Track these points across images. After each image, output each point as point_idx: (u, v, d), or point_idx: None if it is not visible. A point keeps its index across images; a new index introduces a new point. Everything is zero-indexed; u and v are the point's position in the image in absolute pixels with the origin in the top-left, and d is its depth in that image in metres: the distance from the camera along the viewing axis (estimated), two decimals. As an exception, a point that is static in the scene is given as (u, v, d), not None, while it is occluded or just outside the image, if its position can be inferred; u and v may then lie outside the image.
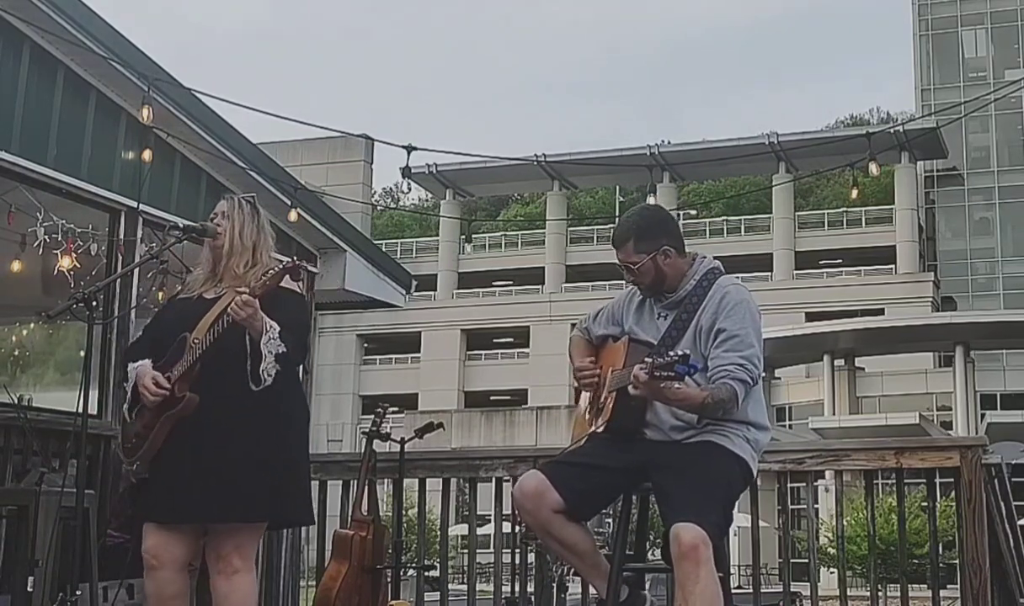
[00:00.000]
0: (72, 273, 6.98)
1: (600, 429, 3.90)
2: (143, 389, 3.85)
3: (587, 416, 4.03)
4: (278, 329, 3.78)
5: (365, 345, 54.20)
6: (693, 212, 55.30)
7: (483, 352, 53.76)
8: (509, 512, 5.48)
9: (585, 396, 4.09)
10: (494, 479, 6.22)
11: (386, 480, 6.19)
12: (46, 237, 6.93)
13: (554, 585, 6.21)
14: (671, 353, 3.47)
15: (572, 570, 4.31)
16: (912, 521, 22.50)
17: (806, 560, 6.37)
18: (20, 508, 5.13)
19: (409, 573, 7.34)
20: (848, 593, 5.61)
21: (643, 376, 3.49)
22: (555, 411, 40.04)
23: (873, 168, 8.85)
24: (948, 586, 8.76)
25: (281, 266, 3.79)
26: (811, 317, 44.84)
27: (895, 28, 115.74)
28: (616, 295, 4.19)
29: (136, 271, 6.76)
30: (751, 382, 3.71)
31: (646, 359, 3.54)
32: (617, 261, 3.91)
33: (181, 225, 4.14)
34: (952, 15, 53.96)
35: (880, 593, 6.10)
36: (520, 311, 52.31)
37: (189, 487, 3.82)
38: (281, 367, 3.80)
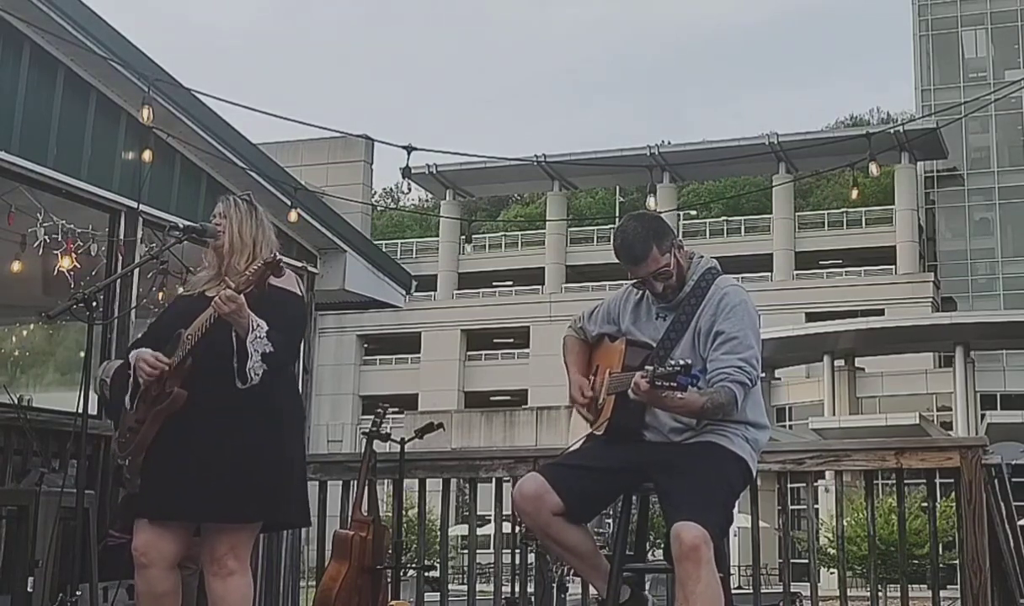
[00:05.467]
0: (72, 273, 6.98)
1: (599, 431, 3.90)
2: (141, 363, 3.85)
3: (586, 417, 4.02)
4: (266, 328, 3.77)
5: (365, 345, 54.21)
6: (693, 212, 55.32)
7: (483, 352, 53.77)
8: (509, 512, 5.48)
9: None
10: (494, 479, 6.22)
11: (386, 480, 6.19)
12: (46, 237, 6.93)
13: (554, 585, 6.21)
14: (672, 362, 3.47)
15: (572, 571, 4.32)
16: (912, 521, 22.50)
17: (806, 560, 6.37)
18: (20, 508, 5.13)
19: (409, 573, 7.33)
20: (848, 593, 5.61)
21: (644, 385, 3.49)
22: (555, 411, 40.00)
23: (873, 168, 8.86)
24: (948, 586, 8.75)
25: (261, 263, 3.78)
26: (811, 317, 44.85)
27: (895, 28, 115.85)
28: (611, 294, 4.18)
29: (136, 271, 6.76)
30: (750, 384, 3.72)
31: (647, 367, 3.53)
32: (640, 277, 3.85)
33: (181, 226, 4.12)
34: (952, 15, 53.98)
35: (880, 593, 6.09)
36: (520, 311, 52.32)
37: (181, 485, 3.81)
38: (269, 366, 3.78)
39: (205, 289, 4.01)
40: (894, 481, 5.67)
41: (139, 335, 4.31)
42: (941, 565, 6.40)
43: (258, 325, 3.76)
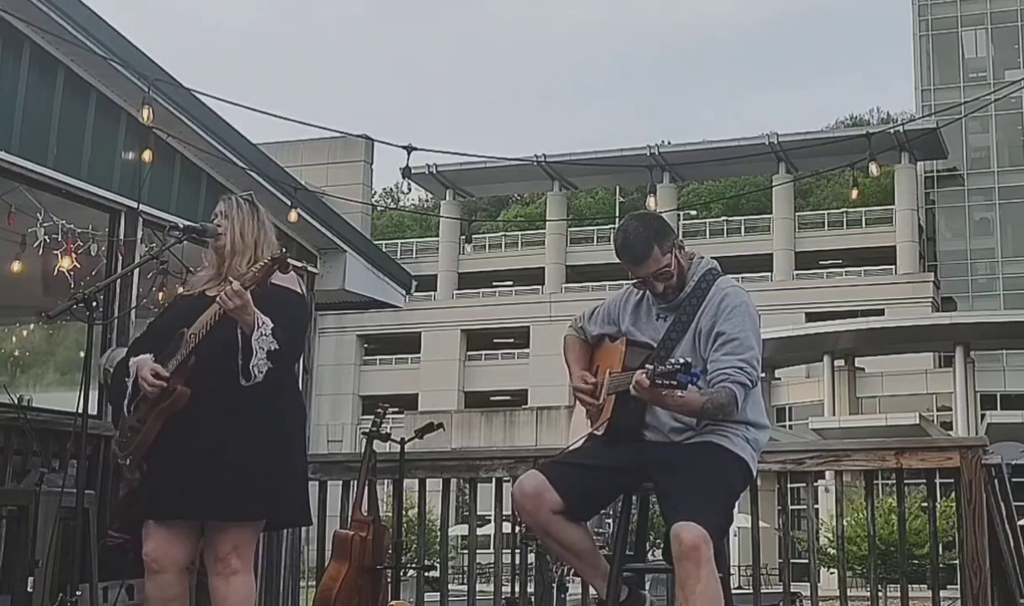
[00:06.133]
0: (72, 273, 6.98)
1: (600, 431, 3.90)
2: (142, 379, 3.85)
3: (586, 416, 4.02)
4: (271, 325, 3.77)
5: (365, 345, 54.20)
6: (693, 212, 55.30)
7: (483, 352, 53.76)
8: (509, 512, 5.48)
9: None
10: (494, 479, 6.22)
11: (386, 480, 6.19)
12: (46, 237, 6.93)
13: (554, 585, 6.21)
14: (672, 361, 3.47)
15: (572, 570, 4.32)
16: (912, 521, 22.50)
17: (806, 560, 6.38)
18: (20, 508, 5.13)
19: (409, 573, 7.32)
20: (848, 593, 5.61)
21: (645, 382, 3.49)
22: (555, 411, 40.02)
23: (873, 168, 8.84)
24: (948, 586, 8.75)
25: (269, 259, 3.78)
26: (811, 317, 44.85)
27: (895, 28, 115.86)
28: (612, 294, 4.18)
29: (136, 271, 6.76)
30: (750, 385, 3.72)
31: (647, 366, 3.53)
32: (641, 277, 3.85)
33: (181, 226, 4.12)
34: (952, 15, 53.98)
35: (880, 593, 6.09)
36: (520, 311, 52.32)
37: (186, 485, 3.82)
38: (273, 364, 3.79)
39: (205, 288, 4.01)
40: (894, 481, 5.67)
41: (138, 334, 4.31)
42: (941, 565, 6.40)
43: (263, 322, 3.77)
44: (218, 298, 3.74)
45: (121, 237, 6.94)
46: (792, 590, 7.48)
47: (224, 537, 3.86)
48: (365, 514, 5.65)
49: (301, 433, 4.13)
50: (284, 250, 3.88)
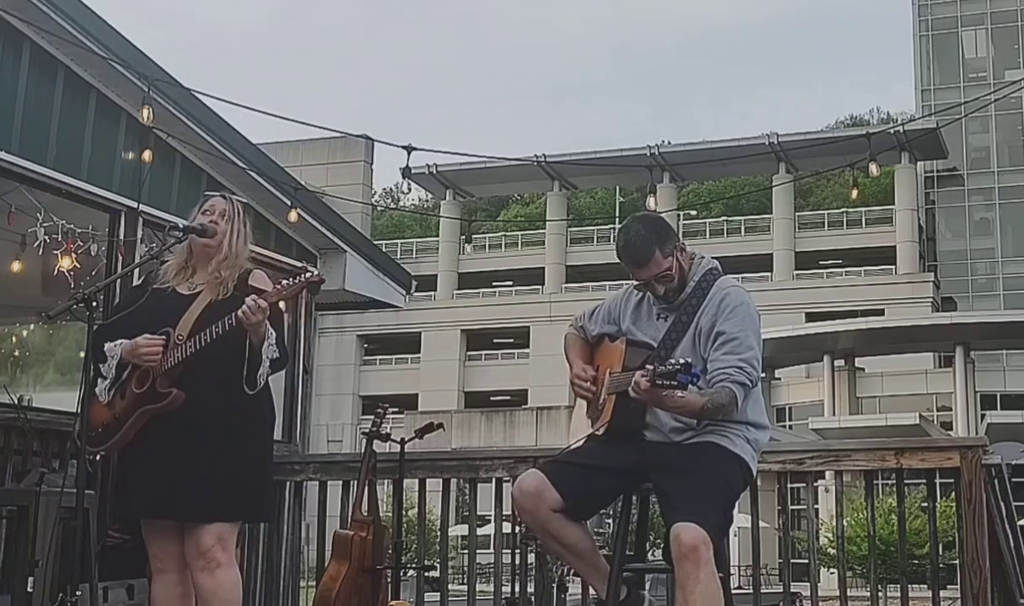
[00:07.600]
0: (72, 273, 6.98)
1: (600, 432, 3.90)
2: (146, 350, 3.84)
3: (586, 416, 4.03)
4: (275, 336, 3.85)
5: (365, 345, 54.19)
6: (693, 212, 55.29)
7: (483, 352, 53.76)
8: (509, 512, 5.48)
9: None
10: (494, 479, 6.21)
11: (386, 480, 6.19)
12: (46, 237, 6.93)
13: (554, 585, 6.20)
14: (672, 361, 3.46)
15: (572, 570, 4.32)
16: (912, 521, 22.48)
17: (806, 560, 6.37)
18: (20, 508, 5.13)
19: (409, 573, 7.33)
20: (848, 593, 5.60)
21: (644, 383, 3.49)
22: (555, 411, 40.02)
23: (873, 168, 8.84)
24: (948, 586, 8.75)
25: (304, 278, 3.81)
26: (811, 317, 44.85)
27: (896, 28, 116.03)
28: (612, 294, 4.18)
29: (136, 271, 6.75)
30: (750, 385, 3.71)
31: (648, 366, 3.52)
32: (642, 279, 3.85)
33: (181, 225, 4.13)
34: (952, 15, 53.98)
35: (880, 593, 6.09)
36: (520, 311, 52.31)
37: (178, 487, 3.86)
38: (272, 372, 3.91)
39: (175, 284, 4.03)
40: (894, 481, 5.67)
41: (108, 322, 4.25)
42: (941, 565, 6.39)
43: (270, 333, 3.83)
44: (241, 311, 3.75)
45: (121, 237, 6.93)
46: (792, 590, 7.47)
47: (207, 530, 3.89)
48: (365, 514, 5.65)
49: (271, 433, 4.20)
50: (317, 272, 3.93)
